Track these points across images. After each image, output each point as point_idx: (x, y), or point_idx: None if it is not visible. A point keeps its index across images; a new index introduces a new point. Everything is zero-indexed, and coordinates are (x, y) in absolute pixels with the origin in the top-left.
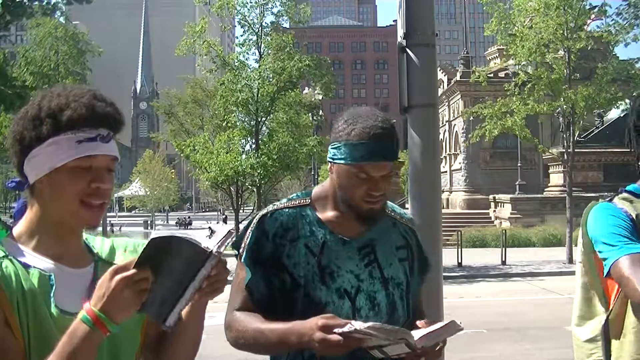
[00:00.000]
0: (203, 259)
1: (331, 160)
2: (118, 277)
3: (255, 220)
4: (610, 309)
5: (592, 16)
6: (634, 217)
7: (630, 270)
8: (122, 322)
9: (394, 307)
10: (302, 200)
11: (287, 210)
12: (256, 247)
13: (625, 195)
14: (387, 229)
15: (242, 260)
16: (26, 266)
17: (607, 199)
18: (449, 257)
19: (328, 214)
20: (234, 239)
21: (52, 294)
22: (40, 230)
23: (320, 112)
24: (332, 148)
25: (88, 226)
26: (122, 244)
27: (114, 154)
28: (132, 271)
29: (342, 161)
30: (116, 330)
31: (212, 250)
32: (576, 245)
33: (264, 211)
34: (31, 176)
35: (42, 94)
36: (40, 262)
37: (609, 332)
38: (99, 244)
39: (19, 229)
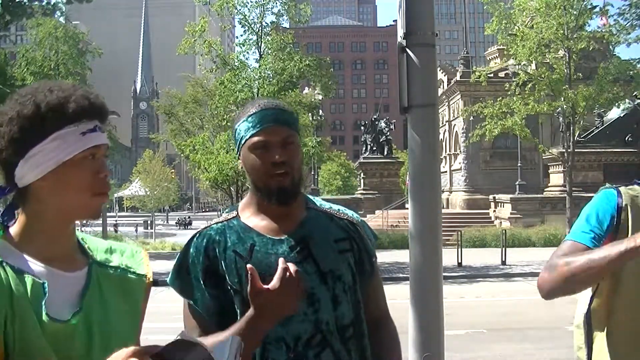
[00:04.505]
0: None
1: (237, 150)
2: None
3: (184, 245)
4: (592, 295)
5: (600, 21)
6: (622, 206)
7: (559, 253)
8: None
9: (337, 301)
10: (228, 215)
11: (214, 225)
12: (192, 267)
13: (635, 187)
14: (322, 223)
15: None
16: (20, 272)
17: (615, 186)
18: (449, 257)
19: (255, 219)
20: (243, 347)
21: (44, 302)
22: (33, 233)
23: (320, 112)
24: (234, 139)
25: (93, 217)
26: (119, 247)
27: (109, 143)
28: None
29: (243, 139)
30: None
31: None
32: None
33: (192, 234)
34: (30, 176)
35: (28, 92)
36: (34, 267)
37: (592, 323)
38: (95, 245)
39: (13, 231)
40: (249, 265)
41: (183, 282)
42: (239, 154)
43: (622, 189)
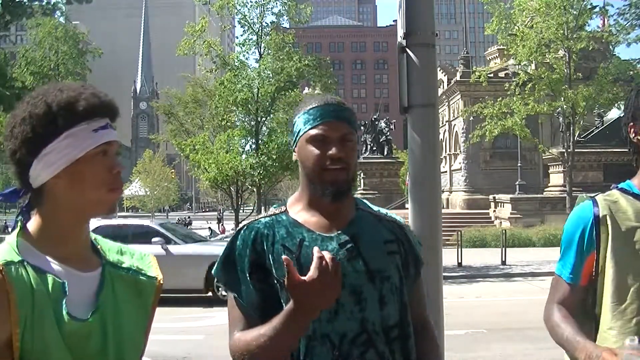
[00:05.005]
0: None
1: (294, 142)
2: None
3: (231, 237)
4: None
5: (601, 22)
6: (600, 217)
7: (551, 291)
8: None
9: (384, 301)
10: (277, 210)
11: (262, 219)
12: (239, 259)
13: (613, 192)
14: (371, 224)
15: (224, 281)
16: (41, 271)
17: (592, 196)
18: (449, 257)
19: (305, 215)
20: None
21: (64, 301)
22: (49, 232)
23: None
24: (292, 132)
25: (108, 212)
26: (128, 250)
27: (120, 140)
28: None
29: (301, 132)
30: None
31: None
32: None
33: (240, 226)
34: (44, 175)
35: (39, 93)
36: (53, 267)
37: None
38: (107, 246)
39: (30, 231)
40: (284, 257)
41: (228, 275)
42: (295, 146)
43: (599, 197)
